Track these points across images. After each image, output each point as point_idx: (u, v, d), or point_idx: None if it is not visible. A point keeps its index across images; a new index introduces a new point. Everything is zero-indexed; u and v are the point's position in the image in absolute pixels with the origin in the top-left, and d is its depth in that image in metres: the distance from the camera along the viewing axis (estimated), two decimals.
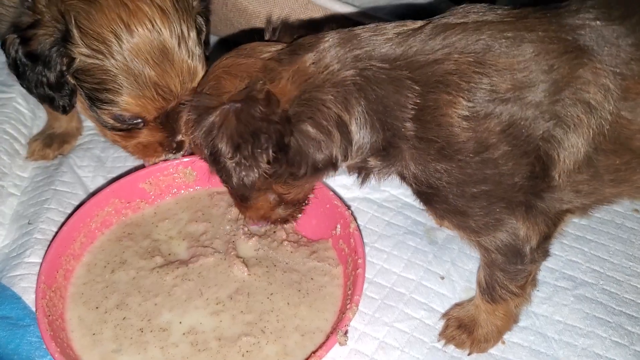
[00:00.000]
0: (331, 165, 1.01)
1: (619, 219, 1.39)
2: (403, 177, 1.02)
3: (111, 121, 1.22)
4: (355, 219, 1.26)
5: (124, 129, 1.24)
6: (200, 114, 0.97)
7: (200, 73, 1.18)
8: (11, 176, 1.49)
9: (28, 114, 1.64)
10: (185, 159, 1.36)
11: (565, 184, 0.96)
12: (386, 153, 0.98)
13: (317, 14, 1.62)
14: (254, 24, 1.69)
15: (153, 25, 1.11)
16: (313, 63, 0.96)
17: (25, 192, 1.48)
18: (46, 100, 1.23)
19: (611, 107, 0.90)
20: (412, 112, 0.92)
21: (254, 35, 1.09)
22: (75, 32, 1.11)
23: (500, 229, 1.00)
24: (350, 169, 1.06)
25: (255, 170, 0.93)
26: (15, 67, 1.18)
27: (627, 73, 0.90)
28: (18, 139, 1.57)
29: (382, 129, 0.95)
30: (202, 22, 1.27)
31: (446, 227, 1.37)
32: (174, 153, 1.30)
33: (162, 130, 1.24)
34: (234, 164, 0.92)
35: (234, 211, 1.31)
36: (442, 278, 1.28)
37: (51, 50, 1.13)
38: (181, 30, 1.14)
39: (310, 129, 0.95)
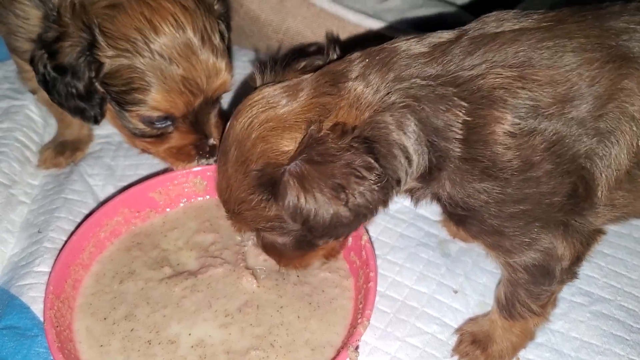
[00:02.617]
0: (395, 192, 0.95)
1: (637, 232, 1.36)
2: (438, 198, 0.98)
3: (140, 125, 1.23)
4: (367, 231, 1.24)
5: (153, 135, 1.25)
6: (269, 189, 0.90)
7: (224, 71, 1.19)
8: (22, 184, 1.49)
9: (40, 121, 1.64)
10: (196, 168, 1.35)
11: (604, 200, 0.93)
12: (429, 175, 0.93)
13: (329, 22, 1.61)
14: (266, 32, 1.68)
15: (177, 21, 1.13)
16: (363, 88, 0.90)
17: (35, 200, 1.47)
18: (77, 112, 1.25)
19: None
20: (461, 132, 0.88)
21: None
22: (100, 38, 1.14)
23: (534, 248, 0.96)
24: (403, 193, 1.01)
25: (372, 191, 0.85)
26: (45, 83, 1.21)
27: None
28: (29, 147, 1.57)
29: (433, 151, 0.90)
30: (224, 28, 1.28)
31: (460, 240, 1.35)
32: (207, 157, 1.29)
33: (193, 132, 1.24)
34: (345, 205, 0.85)
35: None
36: (455, 292, 1.26)
37: (79, 60, 1.15)
38: (204, 27, 1.16)
39: (384, 150, 0.89)
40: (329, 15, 1.61)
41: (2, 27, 1.33)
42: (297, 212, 0.86)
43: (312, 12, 1.62)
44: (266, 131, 0.91)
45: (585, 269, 1.28)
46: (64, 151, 1.55)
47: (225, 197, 0.99)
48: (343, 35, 1.60)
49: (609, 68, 0.86)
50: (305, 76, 0.95)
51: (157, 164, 1.50)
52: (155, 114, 1.19)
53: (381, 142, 0.89)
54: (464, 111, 0.87)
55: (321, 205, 0.85)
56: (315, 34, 1.63)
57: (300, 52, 1.08)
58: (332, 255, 1.17)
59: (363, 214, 0.88)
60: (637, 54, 0.87)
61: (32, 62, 1.20)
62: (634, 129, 0.87)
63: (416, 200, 1.03)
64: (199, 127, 1.24)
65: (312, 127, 0.87)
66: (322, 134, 0.86)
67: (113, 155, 1.56)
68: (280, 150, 0.89)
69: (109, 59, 1.15)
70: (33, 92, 1.49)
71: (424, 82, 0.89)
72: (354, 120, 0.89)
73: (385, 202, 0.93)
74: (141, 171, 1.51)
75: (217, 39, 1.19)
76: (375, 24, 1.59)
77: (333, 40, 1.03)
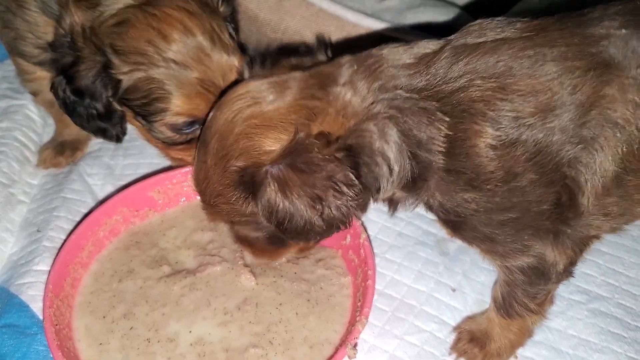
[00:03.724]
0: (374, 198, 0.97)
1: (635, 231, 1.36)
2: (430, 207, 0.99)
3: (169, 133, 1.24)
4: (365, 230, 1.25)
5: (184, 141, 1.26)
6: (249, 187, 0.90)
7: (237, 66, 1.20)
8: (21, 183, 1.49)
9: (39, 120, 1.64)
10: None
11: (594, 209, 0.92)
12: (413, 185, 0.94)
13: (328, 22, 1.62)
14: (264, 31, 1.68)
15: (185, 27, 1.14)
16: (351, 95, 0.90)
17: (34, 199, 1.47)
18: (99, 132, 1.30)
19: None
20: (444, 145, 0.88)
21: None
22: (113, 56, 1.16)
23: (527, 254, 0.96)
24: (382, 200, 1.02)
25: (349, 206, 0.87)
26: (66, 106, 1.24)
27: None
28: (28, 146, 1.57)
29: (415, 161, 0.91)
30: (232, 29, 1.29)
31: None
32: None
33: None
34: (319, 216, 0.87)
35: None
36: (454, 290, 1.26)
37: (95, 82, 1.18)
38: (212, 27, 1.18)
39: (366, 159, 0.90)
40: (327, 15, 1.61)
41: (10, 32, 1.33)
42: (272, 214, 0.88)
43: (310, 11, 1.62)
44: (250, 128, 0.90)
45: (583, 267, 1.29)
46: (63, 151, 1.55)
47: (202, 189, 0.99)
48: (341, 34, 1.60)
49: (590, 76, 0.85)
50: (294, 74, 0.94)
51: (156, 164, 1.50)
52: (181, 119, 1.21)
53: (365, 150, 0.90)
54: (445, 125, 0.88)
55: (296, 212, 0.86)
56: (314, 34, 1.61)
57: (291, 51, 1.07)
58: (306, 251, 1.19)
59: (336, 225, 0.90)
60: (617, 60, 0.86)
61: (52, 88, 1.24)
62: (618, 135, 0.86)
63: (394, 210, 1.03)
64: None
65: (300, 133, 0.87)
66: (308, 141, 0.86)
67: (112, 155, 1.56)
68: (263, 150, 0.89)
69: (125, 74, 1.17)
70: (34, 94, 1.50)
71: (407, 95, 0.89)
72: (340, 127, 0.89)
73: (363, 210, 0.96)
74: (140, 170, 1.51)
75: (226, 37, 1.20)
76: (374, 24, 1.59)
77: (323, 42, 1.03)
